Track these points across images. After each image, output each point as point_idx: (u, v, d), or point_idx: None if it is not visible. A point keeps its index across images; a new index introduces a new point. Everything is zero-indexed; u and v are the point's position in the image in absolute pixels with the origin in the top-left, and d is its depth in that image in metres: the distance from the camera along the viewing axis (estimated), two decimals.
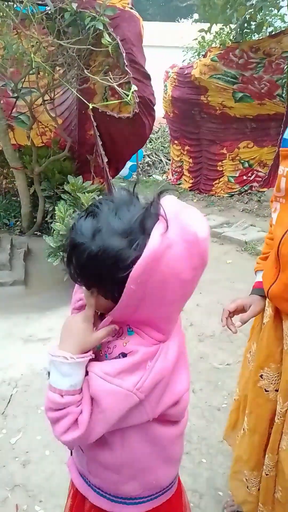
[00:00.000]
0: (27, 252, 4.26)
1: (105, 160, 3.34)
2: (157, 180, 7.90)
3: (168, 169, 8.09)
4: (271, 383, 1.34)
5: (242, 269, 3.96)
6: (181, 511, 1.14)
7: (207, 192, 6.62)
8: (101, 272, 0.80)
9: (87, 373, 0.88)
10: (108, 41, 2.81)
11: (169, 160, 8.14)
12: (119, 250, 0.77)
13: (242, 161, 6.31)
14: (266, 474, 1.38)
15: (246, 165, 6.33)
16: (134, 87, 2.82)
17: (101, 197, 0.90)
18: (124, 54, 2.91)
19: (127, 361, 0.83)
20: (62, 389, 0.85)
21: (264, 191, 6.23)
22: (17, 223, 4.84)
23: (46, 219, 4.55)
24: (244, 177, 6.39)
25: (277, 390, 1.34)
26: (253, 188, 6.41)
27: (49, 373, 0.88)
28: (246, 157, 6.28)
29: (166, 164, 8.65)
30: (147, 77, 3.10)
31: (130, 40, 2.93)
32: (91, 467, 1.00)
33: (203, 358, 2.73)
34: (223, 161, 6.37)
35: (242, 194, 6.38)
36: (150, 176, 8.40)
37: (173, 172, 7.44)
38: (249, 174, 6.39)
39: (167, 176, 7.87)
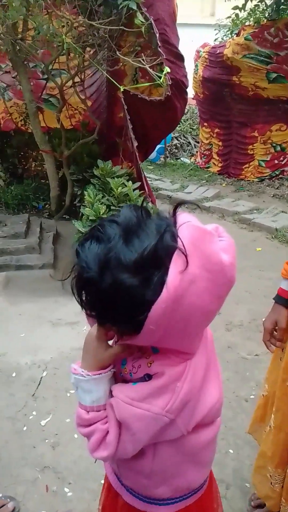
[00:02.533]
0: (56, 235, 4.30)
1: (135, 144, 3.29)
2: (185, 163, 7.78)
3: (197, 152, 7.94)
4: None
5: (271, 257, 3.88)
6: (212, 508, 1.14)
7: (236, 176, 6.47)
8: (114, 310, 0.73)
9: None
10: (141, 21, 2.73)
11: (198, 142, 7.98)
12: (132, 289, 0.68)
13: (274, 145, 6.11)
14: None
15: (278, 148, 6.13)
16: (167, 69, 2.74)
17: (106, 217, 0.79)
18: (157, 35, 2.82)
19: (153, 385, 0.80)
20: (87, 405, 0.86)
21: None
22: (46, 206, 4.88)
23: (74, 202, 4.55)
24: (276, 161, 6.20)
25: None
26: (284, 173, 6.22)
27: (77, 388, 0.89)
28: (278, 140, 6.08)
29: (195, 147, 8.49)
30: (180, 58, 3.00)
31: (164, 20, 2.84)
32: (122, 471, 1.00)
33: (230, 348, 2.71)
34: (254, 145, 6.19)
35: (273, 179, 6.20)
36: (178, 159, 8.28)
37: (202, 155, 7.29)
38: (281, 158, 6.19)
39: (195, 159, 7.72)
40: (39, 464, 1.99)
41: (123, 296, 0.69)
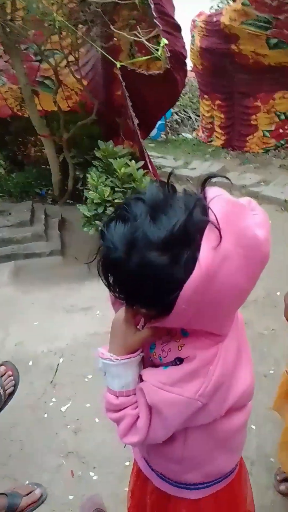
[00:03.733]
0: (62, 221, 4.26)
1: (136, 122, 3.20)
2: (187, 139, 7.62)
3: (198, 126, 7.77)
4: None
5: (283, 230, 3.81)
6: (243, 492, 1.13)
7: (240, 149, 6.33)
8: (143, 291, 0.70)
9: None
10: None
11: (199, 116, 7.80)
12: (162, 268, 0.65)
13: (278, 113, 5.93)
14: None
15: (283, 117, 5.95)
16: (164, 41, 2.63)
17: (131, 195, 0.76)
18: (152, 6, 2.70)
19: (184, 369, 0.78)
20: (116, 390, 0.84)
21: None
22: (49, 192, 4.82)
23: (77, 186, 4.49)
24: (281, 131, 6.03)
25: None
26: None
27: (105, 373, 0.87)
28: (282, 109, 5.90)
29: (196, 121, 8.31)
30: (178, 28, 2.88)
31: None
32: (152, 457, 0.99)
33: (247, 324, 2.67)
34: (257, 115, 6.02)
35: (279, 149, 6.05)
36: (179, 134, 8.11)
37: (204, 129, 7.13)
38: (286, 127, 6.02)
39: (197, 134, 7.56)
40: (62, 451, 2.01)
41: (153, 275, 0.66)
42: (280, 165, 5.56)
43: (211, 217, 0.65)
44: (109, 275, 0.74)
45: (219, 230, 0.65)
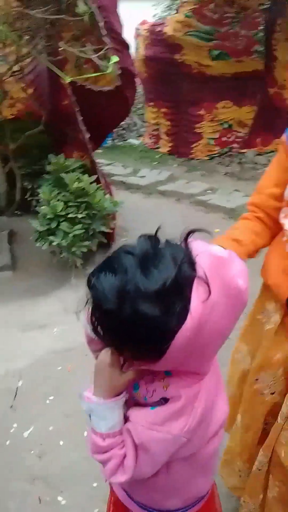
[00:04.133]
0: (11, 234, 4.15)
1: (87, 135, 3.20)
2: (134, 145, 7.69)
3: (144, 132, 7.86)
4: (268, 387, 1.35)
5: None
6: (216, 506, 1.20)
7: (186, 155, 6.50)
8: (135, 339, 0.74)
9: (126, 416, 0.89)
10: (84, 10, 2.61)
11: (144, 122, 7.90)
12: (155, 319, 0.70)
13: (222, 122, 6.17)
14: (259, 469, 1.39)
15: (226, 126, 6.20)
16: (116, 58, 2.66)
17: (120, 248, 0.80)
18: (101, 23, 2.72)
19: (172, 409, 0.83)
20: (103, 433, 0.86)
21: (245, 152, 6.16)
22: None
23: (26, 197, 4.40)
24: (224, 139, 6.28)
25: (272, 393, 1.35)
26: (233, 150, 6.32)
27: (90, 416, 0.89)
28: (225, 118, 6.14)
29: (142, 127, 8.40)
30: (126, 46, 2.92)
31: (107, 7, 2.73)
32: (134, 488, 1.02)
33: None
34: (202, 123, 6.22)
35: (223, 156, 6.29)
36: (125, 140, 8.16)
37: (150, 136, 7.24)
38: (229, 135, 6.27)
39: (143, 140, 7.66)
40: (28, 477, 1.98)
41: (146, 325, 0.71)
42: (225, 172, 5.79)
43: (200, 272, 0.72)
44: (99, 324, 0.78)
45: (208, 285, 0.71)
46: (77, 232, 3.17)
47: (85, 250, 3.24)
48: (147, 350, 0.75)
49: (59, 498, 1.89)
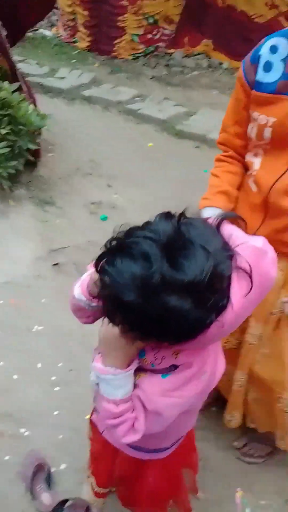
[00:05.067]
0: None
1: (4, 33, 2.69)
2: (46, 37, 6.75)
3: (57, 21, 6.88)
4: None
5: (167, 153, 3.85)
6: (193, 434, 1.31)
7: (108, 53, 5.88)
8: (160, 330, 0.70)
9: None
10: None
11: (57, 9, 6.87)
12: (187, 313, 0.65)
13: (147, 16, 5.58)
14: (240, 387, 1.52)
15: (151, 21, 5.63)
16: None
17: (134, 228, 0.71)
18: None
19: (185, 375, 0.84)
20: (117, 399, 0.86)
21: (172, 53, 5.75)
22: None
23: None
24: (149, 36, 5.74)
25: None
26: (159, 49, 5.85)
27: (97, 384, 0.89)
28: (151, 11, 5.55)
29: (54, 14, 7.31)
30: None
31: None
32: None
33: None
34: (125, 15, 5.57)
35: (148, 56, 5.82)
36: (36, 31, 7.10)
37: (65, 27, 6.36)
38: (154, 32, 5.74)
39: (57, 31, 6.73)
40: None
41: (175, 320, 0.66)
42: (152, 76, 5.40)
43: (243, 264, 0.68)
44: (114, 314, 0.72)
45: (251, 279, 0.70)
46: (1, 151, 2.82)
47: (12, 171, 2.93)
48: (169, 339, 0.73)
49: (22, 430, 1.93)
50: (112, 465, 1.23)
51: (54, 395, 2.05)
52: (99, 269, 0.71)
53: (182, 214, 0.70)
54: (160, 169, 3.64)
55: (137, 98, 4.70)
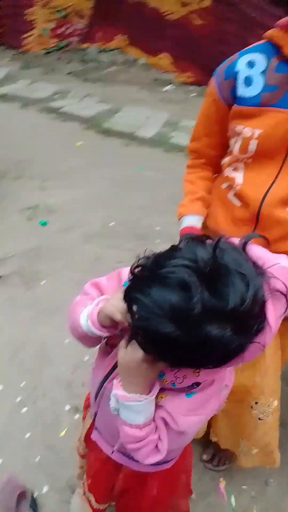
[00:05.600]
0: None
1: None
2: None
3: None
4: None
5: (97, 151, 3.79)
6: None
7: (18, 47, 5.61)
8: (197, 361, 0.69)
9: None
10: None
11: None
12: (227, 340, 0.63)
13: (57, 10, 5.40)
14: None
15: (62, 14, 5.46)
16: None
17: (160, 254, 0.68)
18: None
19: (207, 393, 0.84)
20: (140, 424, 0.84)
21: (86, 48, 5.64)
22: None
23: None
24: (61, 30, 5.58)
25: None
26: (72, 44, 5.70)
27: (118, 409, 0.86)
28: (61, 4, 5.38)
29: None
30: None
31: None
32: None
33: (99, 259, 2.72)
34: (33, 8, 5.33)
35: (61, 51, 5.65)
36: None
37: None
38: (67, 26, 5.59)
39: None
40: None
41: (216, 348, 0.64)
42: (68, 71, 5.26)
43: (279, 286, 0.68)
44: (146, 344, 0.70)
45: (287, 299, 0.69)
46: None
47: None
48: (207, 366, 0.72)
49: None
50: (114, 481, 1.20)
51: (22, 417, 1.93)
52: (130, 299, 0.68)
53: (218, 241, 0.66)
54: (92, 168, 3.57)
55: (57, 95, 4.55)
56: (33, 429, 1.83)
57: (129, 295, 0.68)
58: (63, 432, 1.81)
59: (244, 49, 1.10)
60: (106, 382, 0.96)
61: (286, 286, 0.68)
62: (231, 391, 1.40)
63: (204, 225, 1.33)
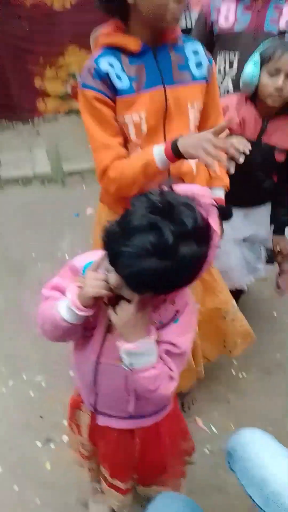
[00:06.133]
0: None
1: None
2: None
3: None
4: None
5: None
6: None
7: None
8: (179, 280, 0.85)
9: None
10: None
11: None
12: (196, 253, 0.80)
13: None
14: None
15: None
16: None
17: (118, 218, 0.86)
18: None
19: (189, 313, 1.01)
20: (154, 362, 0.95)
21: None
22: None
23: None
24: None
25: None
26: None
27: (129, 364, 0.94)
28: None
29: None
30: None
31: None
32: (145, 403, 1.11)
33: None
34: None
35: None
36: None
37: None
38: None
39: None
40: None
41: (190, 263, 0.82)
42: None
43: (210, 201, 0.87)
44: (138, 285, 0.84)
45: (217, 208, 0.89)
46: None
47: None
48: (186, 283, 0.89)
49: None
50: (131, 452, 1.27)
51: (2, 478, 1.79)
52: (114, 255, 0.81)
53: (160, 188, 0.86)
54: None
55: None
56: (18, 481, 1.76)
57: (113, 252, 0.82)
58: (48, 465, 1.78)
59: (96, 56, 1.24)
60: (100, 359, 1.05)
61: (212, 201, 0.87)
62: (206, 315, 1.61)
63: (109, 203, 1.50)
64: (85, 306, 0.92)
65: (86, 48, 4.53)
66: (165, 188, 0.88)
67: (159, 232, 0.77)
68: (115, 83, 1.24)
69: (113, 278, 0.87)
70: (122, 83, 1.25)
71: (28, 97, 4.98)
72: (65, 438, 1.82)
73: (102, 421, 1.21)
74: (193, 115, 1.35)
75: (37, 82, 4.97)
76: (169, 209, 0.80)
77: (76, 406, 1.31)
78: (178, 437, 1.40)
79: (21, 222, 3.33)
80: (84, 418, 1.28)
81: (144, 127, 1.29)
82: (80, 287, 0.92)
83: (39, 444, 1.86)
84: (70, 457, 1.50)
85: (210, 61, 1.35)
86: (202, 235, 0.83)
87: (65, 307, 0.94)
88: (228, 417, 1.96)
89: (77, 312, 0.92)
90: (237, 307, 1.77)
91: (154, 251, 0.77)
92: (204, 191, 0.91)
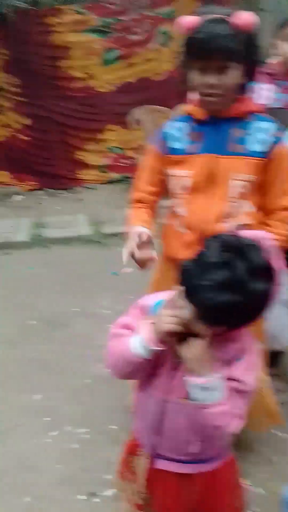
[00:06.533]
0: None
1: None
2: None
3: None
4: None
5: None
6: None
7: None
8: (251, 314, 0.93)
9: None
10: None
11: None
12: (265, 288, 0.89)
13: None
14: None
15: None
16: None
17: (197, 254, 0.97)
18: None
19: (250, 351, 1.05)
20: (223, 398, 0.98)
21: None
22: None
23: None
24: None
25: None
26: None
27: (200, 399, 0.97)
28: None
29: None
30: None
31: None
32: (210, 445, 1.13)
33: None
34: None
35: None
36: None
37: None
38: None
39: None
40: None
41: (261, 296, 0.90)
42: None
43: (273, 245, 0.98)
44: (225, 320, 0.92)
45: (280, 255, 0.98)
46: None
47: None
48: (256, 318, 0.95)
49: None
50: (191, 499, 1.23)
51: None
52: (192, 292, 0.89)
53: (229, 233, 0.99)
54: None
55: None
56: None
57: (191, 286, 0.90)
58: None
59: (170, 120, 1.60)
60: (167, 397, 1.07)
61: (275, 243, 0.98)
62: None
63: (163, 253, 1.66)
64: (162, 341, 0.98)
65: (122, 124, 5.09)
66: (234, 231, 1.00)
67: (233, 269, 0.87)
68: (171, 143, 1.53)
69: (187, 313, 0.94)
70: (179, 144, 1.52)
71: (70, 168, 5.47)
72: (109, 492, 1.78)
73: (162, 464, 1.20)
74: (234, 185, 1.49)
75: (78, 155, 5.46)
76: (238, 249, 0.90)
77: (131, 451, 1.30)
78: (236, 490, 1.34)
79: (64, 278, 3.54)
80: (141, 464, 1.25)
81: (188, 183, 1.51)
82: (153, 323, 0.99)
83: (81, 497, 1.81)
84: (117, 510, 1.44)
85: (276, 140, 1.47)
86: (269, 272, 0.92)
87: (138, 343, 1.00)
88: (273, 479, 1.88)
89: (151, 347, 0.97)
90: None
91: (229, 286, 0.86)
92: (267, 235, 1.03)
